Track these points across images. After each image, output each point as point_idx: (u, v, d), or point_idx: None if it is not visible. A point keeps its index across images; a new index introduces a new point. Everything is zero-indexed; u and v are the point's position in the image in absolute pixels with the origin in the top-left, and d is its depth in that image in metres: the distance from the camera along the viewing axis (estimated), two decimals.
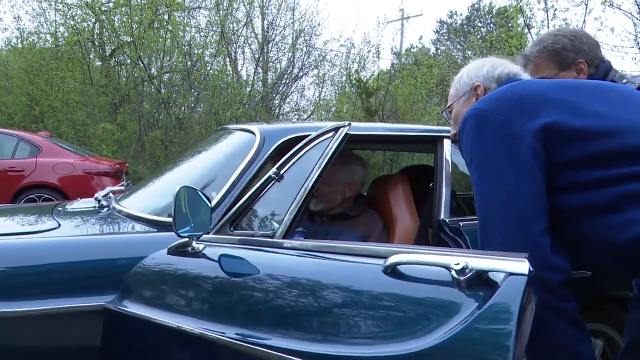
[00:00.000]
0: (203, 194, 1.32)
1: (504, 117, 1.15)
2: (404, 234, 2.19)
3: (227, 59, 11.32)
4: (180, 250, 1.35)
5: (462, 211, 2.42)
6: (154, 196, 1.91)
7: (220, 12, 10.45)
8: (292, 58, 11.76)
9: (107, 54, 10.50)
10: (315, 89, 12.02)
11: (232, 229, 1.39)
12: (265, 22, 11.89)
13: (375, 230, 2.20)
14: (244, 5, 11.32)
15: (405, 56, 16.66)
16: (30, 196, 6.71)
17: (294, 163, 1.43)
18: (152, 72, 10.18)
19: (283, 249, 1.25)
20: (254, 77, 11.30)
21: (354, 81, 7.40)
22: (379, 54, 9.11)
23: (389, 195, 2.28)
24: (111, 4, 9.85)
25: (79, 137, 10.07)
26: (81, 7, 9.80)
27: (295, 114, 12.08)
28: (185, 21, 10.25)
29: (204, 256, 1.32)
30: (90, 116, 10.12)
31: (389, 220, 2.26)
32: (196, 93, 10.07)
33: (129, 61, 10.06)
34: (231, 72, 11.39)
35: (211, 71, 10.06)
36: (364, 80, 7.27)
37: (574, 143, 1.13)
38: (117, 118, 9.51)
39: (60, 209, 2.00)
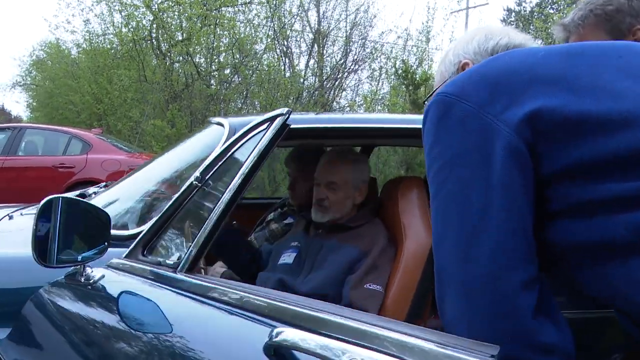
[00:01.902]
0: (92, 205, 1.00)
1: (475, 104, 0.73)
2: (413, 251, 1.77)
3: (280, 53, 11.14)
4: (72, 279, 1.04)
5: None
6: (107, 202, 1.63)
7: (272, 5, 10.27)
8: (346, 51, 11.38)
9: (162, 51, 10.65)
10: (370, 83, 11.58)
11: (145, 252, 1.06)
12: (319, 14, 11.60)
13: (376, 244, 1.80)
14: None
15: None
16: None
17: (220, 166, 1.08)
18: (203, 68, 10.20)
19: (176, 289, 0.91)
20: (305, 70, 11.04)
21: (400, 72, 6.89)
22: (428, 41, 8.43)
23: (399, 200, 1.87)
24: (165, 4, 9.95)
25: (135, 134, 10.31)
26: (137, 7, 9.98)
27: (350, 109, 11.71)
28: (234, 16, 10.16)
29: (92, 289, 1.00)
30: (144, 113, 10.32)
31: (397, 232, 1.85)
32: (245, 89, 9.97)
33: (180, 58, 10.14)
34: (284, 66, 11.21)
35: (260, 66, 9.90)
36: (411, 71, 6.74)
37: (579, 139, 0.68)
38: (167, 115, 9.61)
39: (15, 214, 1.77)
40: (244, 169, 1.01)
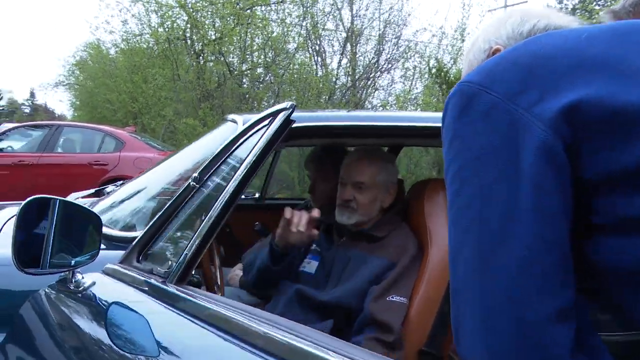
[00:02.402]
0: (84, 208, 0.93)
1: (502, 94, 0.60)
2: (439, 259, 1.64)
3: (312, 52, 11.07)
4: (63, 286, 0.97)
5: None
6: (116, 201, 1.57)
7: (305, 4, 10.21)
8: (379, 50, 11.21)
9: (196, 50, 10.76)
10: (403, 82, 11.37)
11: (140, 258, 0.98)
12: (352, 13, 11.46)
13: (405, 254, 1.68)
14: None
15: None
16: None
17: (219, 165, 0.99)
18: (235, 67, 10.24)
19: (163, 303, 0.82)
20: (337, 70, 10.93)
21: (433, 71, 6.66)
22: (463, 40, 8.15)
23: (425, 203, 1.74)
24: (198, 4, 10.04)
25: (169, 133, 10.45)
26: (171, 7, 10.11)
27: (382, 109, 11.53)
28: (266, 15, 10.15)
29: (81, 297, 0.93)
30: (177, 112, 10.44)
31: (423, 237, 1.73)
32: (276, 88, 9.95)
33: (213, 57, 10.21)
34: (316, 65, 11.14)
35: (292, 65, 9.86)
36: (445, 69, 6.49)
37: (629, 138, 0.54)
38: (199, 113, 9.69)
39: None
40: (242, 169, 0.92)
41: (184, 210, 0.98)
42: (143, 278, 0.88)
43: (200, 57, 10.50)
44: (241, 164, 0.93)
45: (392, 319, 1.54)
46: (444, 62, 6.79)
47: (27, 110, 46.44)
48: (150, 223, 1.00)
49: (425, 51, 10.63)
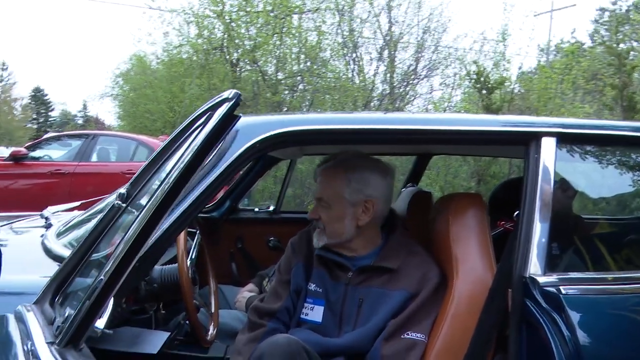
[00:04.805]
0: None
1: None
2: (467, 293, 1.36)
3: (348, 59, 10.87)
4: None
5: (572, 263, 1.46)
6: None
7: (340, 10, 10.05)
8: (417, 57, 10.89)
9: (234, 59, 10.77)
10: (443, 90, 10.96)
11: (57, 298, 0.77)
12: (390, 19, 11.20)
13: (426, 286, 1.41)
14: (370, 3, 10.77)
15: (555, 52, 14.63)
16: None
17: (151, 176, 0.77)
18: (270, 76, 10.16)
19: None
20: (374, 77, 10.68)
21: (471, 75, 6.27)
22: (505, 45, 7.60)
23: (450, 224, 1.47)
24: (234, 15, 10.05)
25: None
26: (206, 17, 10.17)
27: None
28: (300, 24, 10.05)
29: None
30: None
31: (448, 266, 1.46)
32: (310, 97, 9.80)
33: (248, 67, 10.18)
34: (352, 72, 10.92)
35: (325, 73, 9.69)
36: (485, 73, 6.08)
37: None
38: None
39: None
40: (167, 182, 0.70)
41: (106, 237, 0.77)
42: (35, 331, 0.68)
43: (236, 67, 10.50)
44: (170, 175, 0.71)
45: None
46: (484, 67, 6.39)
47: (80, 121, 48.42)
48: (71, 252, 0.79)
49: (466, 57, 10.22)
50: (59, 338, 0.67)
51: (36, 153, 7.47)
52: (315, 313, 1.44)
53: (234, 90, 0.85)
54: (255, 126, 1.37)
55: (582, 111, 6.79)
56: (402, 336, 1.34)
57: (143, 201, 0.77)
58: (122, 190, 0.78)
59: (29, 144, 8.28)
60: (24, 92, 43.42)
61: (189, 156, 0.72)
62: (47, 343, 0.67)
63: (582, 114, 6.59)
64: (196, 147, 0.73)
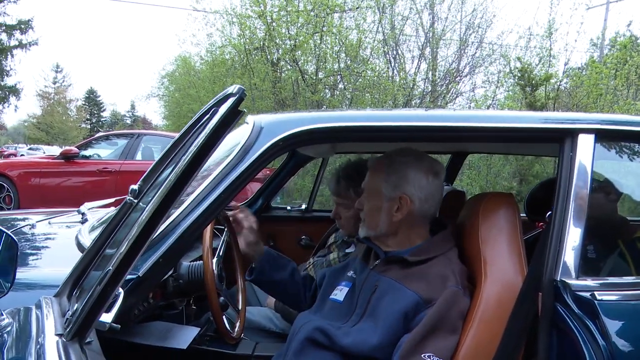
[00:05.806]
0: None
1: None
2: (495, 296, 1.30)
3: (389, 57, 10.74)
4: None
5: (613, 267, 1.37)
6: None
7: (381, 7, 9.95)
8: (460, 53, 10.63)
9: (274, 59, 10.87)
10: (487, 87, 10.65)
11: (75, 291, 0.79)
12: (433, 16, 10.99)
13: (444, 292, 1.31)
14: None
15: (609, 47, 13.91)
16: None
17: (161, 172, 0.77)
18: (310, 75, 10.19)
19: None
20: (415, 75, 10.51)
21: (515, 71, 6.02)
22: (551, 41, 7.20)
23: (480, 225, 1.41)
24: (276, 15, 10.13)
25: None
26: (248, 17, 10.31)
27: None
28: (340, 22, 10.01)
29: None
30: None
31: (476, 268, 1.40)
32: (349, 95, 9.75)
33: (289, 66, 10.24)
34: (393, 70, 10.78)
35: (365, 71, 9.61)
36: (529, 69, 5.82)
37: None
38: None
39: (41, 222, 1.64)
40: (171, 178, 0.70)
41: (119, 232, 0.78)
42: (49, 323, 0.69)
43: (276, 66, 10.59)
44: (173, 172, 0.71)
45: None
46: (528, 63, 6.12)
47: (128, 121, 50.28)
48: (88, 247, 0.80)
49: (511, 54, 9.90)
50: (67, 330, 0.69)
51: (87, 152, 7.80)
52: (342, 294, 1.48)
53: (238, 85, 0.85)
54: (279, 124, 1.37)
55: (635, 108, 6.41)
56: (421, 355, 1.26)
57: (151, 197, 0.78)
58: (135, 186, 0.79)
59: (80, 143, 8.66)
60: (79, 94, 45.44)
61: (193, 152, 0.73)
62: (57, 335, 0.69)
63: (635, 111, 6.22)
64: (200, 143, 0.74)
